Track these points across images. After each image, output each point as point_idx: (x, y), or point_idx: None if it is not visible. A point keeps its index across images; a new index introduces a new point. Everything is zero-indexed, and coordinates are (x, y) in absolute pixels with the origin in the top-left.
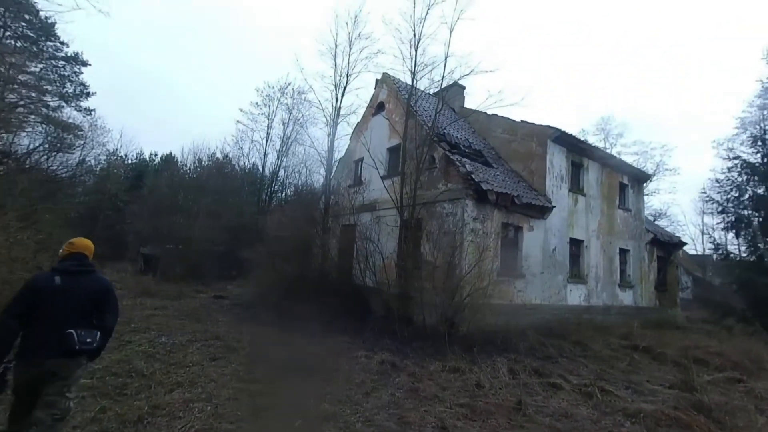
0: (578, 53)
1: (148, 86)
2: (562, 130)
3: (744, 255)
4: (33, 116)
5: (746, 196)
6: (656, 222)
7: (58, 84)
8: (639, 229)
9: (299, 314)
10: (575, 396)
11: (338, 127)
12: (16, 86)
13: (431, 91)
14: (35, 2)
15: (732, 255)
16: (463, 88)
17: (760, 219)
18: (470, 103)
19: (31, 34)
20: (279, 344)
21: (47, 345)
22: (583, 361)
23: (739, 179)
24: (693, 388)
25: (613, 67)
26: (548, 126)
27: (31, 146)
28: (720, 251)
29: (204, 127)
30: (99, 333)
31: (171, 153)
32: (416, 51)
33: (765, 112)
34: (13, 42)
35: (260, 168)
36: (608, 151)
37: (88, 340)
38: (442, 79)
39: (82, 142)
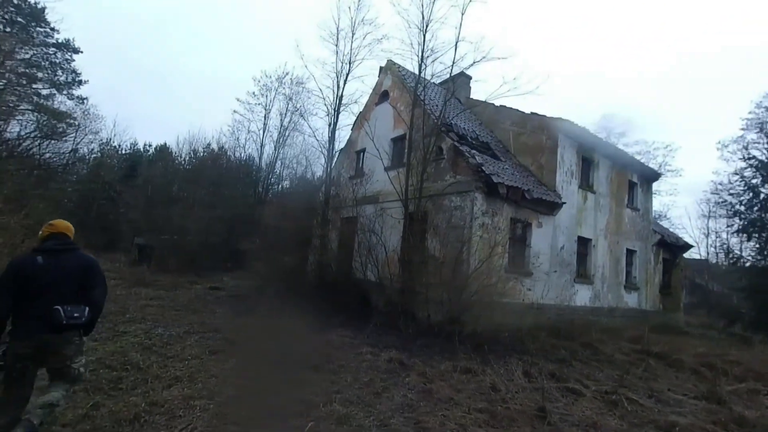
0: (582, 48)
1: (139, 76)
2: (575, 123)
3: (755, 260)
4: (24, 103)
5: (761, 197)
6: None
7: (49, 71)
8: (646, 230)
9: (298, 307)
10: (598, 404)
11: (339, 116)
12: (5, 72)
13: (437, 81)
14: None
15: (742, 260)
16: (470, 78)
17: None
18: (477, 94)
19: (20, 20)
20: (279, 338)
21: (36, 323)
22: (597, 365)
23: (754, 180)
24: (721, 400)
25: (617, 61)
26: (560, 118)
27: (22, 132)
28: (731, 256)
29: (199, 118)
30: (87, 308)
31: (165, 143)
32: (425, 36)
33: None
34: (1, 27)
35: (257, 159)
36: None
37: (76, 314)
38: (453, 64)
39: (74, 130)
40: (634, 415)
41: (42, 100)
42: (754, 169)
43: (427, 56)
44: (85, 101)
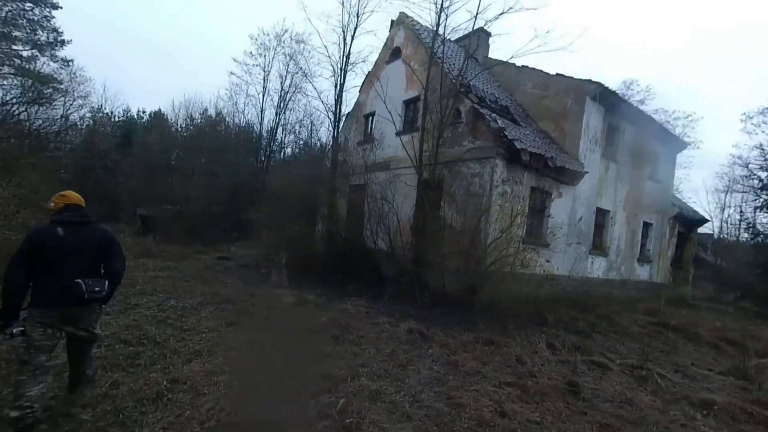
0: (599, 21)
1: (125, 36)
2: (605, 85)
3: None
4: (5, 66)
5: None
6: None
7: (28, 30)
8: (666, 203)
9: (308, 276)
10: (627, 378)
11: (347, 76)
12: None
13: (453, 38)
14: None
15: (761, 236)
16: (489, 35)
17: None
18: (495, 53)
19: None
20: (294, 307)
21: (59, 295)
22: (616, 338)
23: None
24: (748, 376)
25: (632, 37)
26: (589, 80)
27: (6, 98)
28: (752, 231)
29: (194, 80)
30: (107, 282)
31: (160, 110)
32: None
33: None
34: None
35: (257, 126)
36: None
37: (97, 288)
38: (476, 15)
39: (62, 95)
40: (666, 391)
41: (24, 63)
42: None
43: (447, 6)
44: (70, 63)
